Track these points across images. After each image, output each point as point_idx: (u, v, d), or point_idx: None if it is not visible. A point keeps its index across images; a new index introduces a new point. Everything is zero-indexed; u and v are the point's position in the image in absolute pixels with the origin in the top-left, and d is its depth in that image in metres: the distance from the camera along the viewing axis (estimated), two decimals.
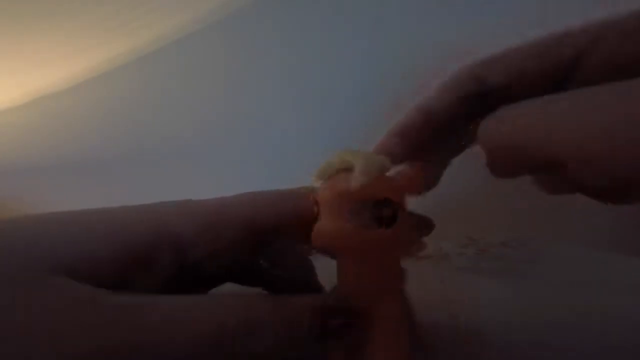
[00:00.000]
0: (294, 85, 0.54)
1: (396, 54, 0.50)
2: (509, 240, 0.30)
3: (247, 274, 0.19)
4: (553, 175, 0.16)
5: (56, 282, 0.13)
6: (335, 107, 0.52)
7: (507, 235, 0.32)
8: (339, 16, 0.53)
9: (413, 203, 0.20)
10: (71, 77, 0.59)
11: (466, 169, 0.27)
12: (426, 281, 0.24)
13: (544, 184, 0.18)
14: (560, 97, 0.14)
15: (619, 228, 0.31)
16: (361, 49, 0.52)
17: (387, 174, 0.16)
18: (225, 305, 0.14)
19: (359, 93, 0.51)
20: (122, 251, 0.15)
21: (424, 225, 0.18)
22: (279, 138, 0.53)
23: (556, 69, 0.17)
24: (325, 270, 0.18)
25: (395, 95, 0.52)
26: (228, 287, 0.19)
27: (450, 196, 0.27)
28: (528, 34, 0.47)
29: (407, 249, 0.15)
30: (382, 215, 0.13)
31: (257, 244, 0.17)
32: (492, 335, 0.19)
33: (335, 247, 0.14)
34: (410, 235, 0.15)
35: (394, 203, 0.13)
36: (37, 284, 0.13)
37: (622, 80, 0.13)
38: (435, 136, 0.18)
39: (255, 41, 0.55)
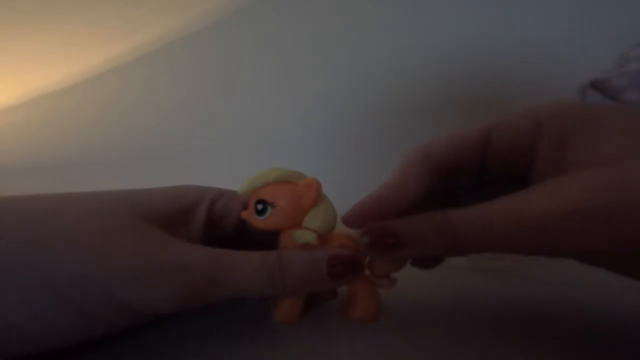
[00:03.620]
0: (293, 85, 0.54)
1: (396, 55, 0.51)
2: None
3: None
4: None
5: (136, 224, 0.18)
6: (335, 107, 0.52)
7: None
8: (339, 16, 0.53)
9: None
10: (71, 77, 0.59)
11: None
12: (426, 281, 0.24)
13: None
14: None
15: None
16: (361, 50, 0.52)
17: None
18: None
19: (359, 94, 0.51)
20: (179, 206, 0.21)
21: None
22: (279, 137, 0.53)
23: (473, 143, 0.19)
24: None
25: (393, 96, 0.52)
26: None
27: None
28: (528, 33, 0.47)
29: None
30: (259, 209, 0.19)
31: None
32: (492, 335, 0.19)
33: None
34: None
35: (266, 202, 0.19)
36: (122, 224, 0.18)
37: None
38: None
39: (255, 41, 0.55)
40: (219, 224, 0.22)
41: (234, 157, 0.56)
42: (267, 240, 0.21)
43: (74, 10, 0.56)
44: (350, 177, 0.42)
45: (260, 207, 0.19)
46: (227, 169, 0.59)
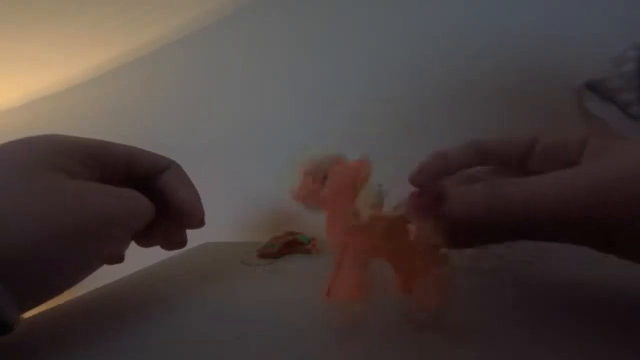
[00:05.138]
0: (294, 85, 0.54)
1: (396, 55, 0.51)
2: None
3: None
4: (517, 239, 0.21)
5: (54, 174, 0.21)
6: (336, 107, 0.52)
7: None
8: (339, 16, 0.53)
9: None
10: (71, 77, 0.59)
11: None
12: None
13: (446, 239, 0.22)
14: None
15: None
16: (361, 49, 0.52)
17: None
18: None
19: (359, 93, 0.51)
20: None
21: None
22: (279, 137, 0.54)
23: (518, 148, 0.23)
24: None
25: (393, 96, 0.52)
26: None
27: None
28: (527, 33, 0.47)
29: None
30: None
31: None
32: (492, 335, 0.19)
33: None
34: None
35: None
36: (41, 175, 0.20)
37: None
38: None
39: (255, 41, 0.55)
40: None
41: (234, 156, 0.56)
42: None
43: (74, 12, 0.56)
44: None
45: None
46: (227, 168, 0.59)
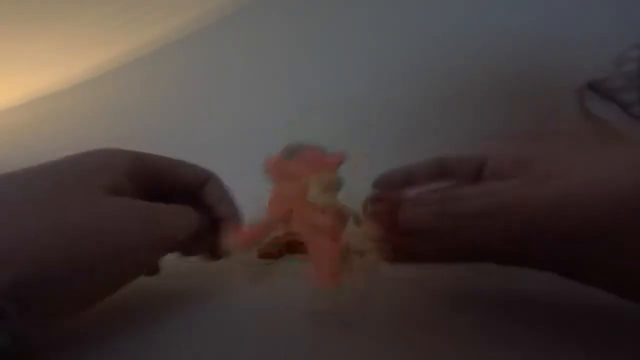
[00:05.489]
0: (294, 85, 0.54)
1: (396, 55, 0.51)
2: None
3: None
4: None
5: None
6: (335, 107, 0.52)
7: None
8: (339, 16, 0.53)
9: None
10: (71, 77, 0.59)
11: None
12: (426, 280, 0.25)
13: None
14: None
15: None
16: (361, 49, 0.52)
17: None
18: None
19: (359, 93, 0.51)
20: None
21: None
22: (279, 137, 0.53)
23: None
24: None
25: (393, 96, 0.52)
26: None
27: None
28: (528, 33, 0.47)
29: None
30: None
31: None
32: (492, 335, 0.19)
33: None
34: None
35: None
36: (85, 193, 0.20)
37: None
38: None
39: (255, 41, 0.55)
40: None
41: (234, 156, 0.56)
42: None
43: (74, 12, 0.56)
44: (349, 177, 0.42)
45: None
46: (227, 168, 0.59)
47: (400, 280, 0.25)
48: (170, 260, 0.26)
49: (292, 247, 0.39)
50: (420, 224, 0.21)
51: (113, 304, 0.21)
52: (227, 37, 0.56)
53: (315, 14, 0.53)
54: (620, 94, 0.39)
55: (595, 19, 0.45)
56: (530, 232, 0.18)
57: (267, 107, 0.55)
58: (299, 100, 0.54)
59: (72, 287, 0.18)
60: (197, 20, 0.56)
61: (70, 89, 0.59)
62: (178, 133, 0.57)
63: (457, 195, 0.20)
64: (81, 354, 0.19)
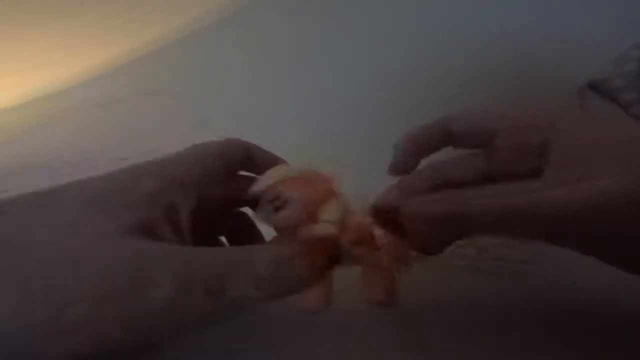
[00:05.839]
0: (294, 85, 0.54)
1: (396, 55, 0.51)
2: (509, 240, 0.30)
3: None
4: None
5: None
6: (336, 107, 0.52)
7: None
8: (339, 16, 0.53)
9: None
10: (71, 77, 0.59)
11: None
12: (425, 280, 0.25)
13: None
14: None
15: None
16: (361, 49, 0.52)
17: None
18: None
19: (359, 93, 0.51)
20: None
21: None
22: (279, 138, 0.53)
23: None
24: None
25: (393, 96, 0.52)
26: None
27: None
28: (528, 33, 0.47)
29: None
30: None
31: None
32: (492, 335, 0.19)
33: None
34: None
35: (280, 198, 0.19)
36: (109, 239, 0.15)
37: None
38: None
39: (255, 41, 0.55)
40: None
41: None
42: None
43: (74, 12, 0.56)
44: (349, 177, 0.42)
45: (277, 203, 0.18)
46: None
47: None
48: None
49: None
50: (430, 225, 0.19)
51: None
52: (227, 37, 0.56)
53: (315, 14, 0.53)
54: (620, 94, 0.39)
55: (595, 19, 0.45)
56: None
57: (267, 107, 0.55)
58: (299, 100, 0.54)
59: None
60: (197, 20, 0.56)
61: (70, 89, 0.59)
62: (178, 133, 0.57)
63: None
64: None
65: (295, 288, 0.17)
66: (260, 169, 0.22)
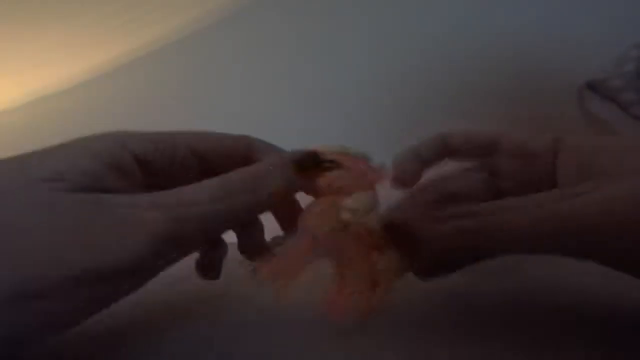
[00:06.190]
0: (294, 85, 0.54)
1: (396, 55, 0.51)
2: None
3: None
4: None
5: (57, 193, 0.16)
6: (336, 107, 0.52)
7: None
8: (339, 16, 0.53)
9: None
10: (71, 77, 0.59)
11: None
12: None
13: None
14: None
15: None
16: (361, 49, 0.52)
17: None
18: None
19: (359, 93, 0.51)
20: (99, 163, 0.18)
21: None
22: (279, 138, 0.53)
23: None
24: None
25: (393, 97, 0.52)
26: None
27: None
28: (527, 33, 0.47)
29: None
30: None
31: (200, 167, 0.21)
32: (492, 335, 0.19)
33: None
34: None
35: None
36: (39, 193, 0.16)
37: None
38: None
39: (255, 41, 0.55)
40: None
41: None
42: None
43: (74, 12, 0.56)
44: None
45: (329, 165, 0.19)
46: None
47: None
48: None
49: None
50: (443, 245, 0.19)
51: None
52: (227, 37, 0.56)
53: (315, 14, 0.53)
54: (620, 94, 0.39)
55: (595, 19, 0.45)
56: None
57: (267, 107, 0.55)
58: (299, 100, 0.54)
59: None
60: (197, 20, 0.56)
61: (70, 89, 0.59)
62: None
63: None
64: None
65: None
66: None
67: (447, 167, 0.25)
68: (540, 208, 0.17)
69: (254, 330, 0.21)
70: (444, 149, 0.23)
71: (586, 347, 0.18)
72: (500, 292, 0.24)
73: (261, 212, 0.21)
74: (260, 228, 0.22)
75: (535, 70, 0.46)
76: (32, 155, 0.18)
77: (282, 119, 0.54)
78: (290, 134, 0.53)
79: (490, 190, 0.23)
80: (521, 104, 0.46)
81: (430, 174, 0.24)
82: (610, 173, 0.18)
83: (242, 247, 0.22)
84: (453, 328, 0.20)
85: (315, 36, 0.53)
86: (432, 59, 0.49)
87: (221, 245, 0.23)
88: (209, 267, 0.22)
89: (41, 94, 0.59)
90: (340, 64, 0.53)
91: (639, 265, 0.17)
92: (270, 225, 0.23)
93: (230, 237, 0.22)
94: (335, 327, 0.21)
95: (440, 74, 0.49)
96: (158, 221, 0.16)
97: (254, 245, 0.22)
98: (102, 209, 0.16)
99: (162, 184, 0.18)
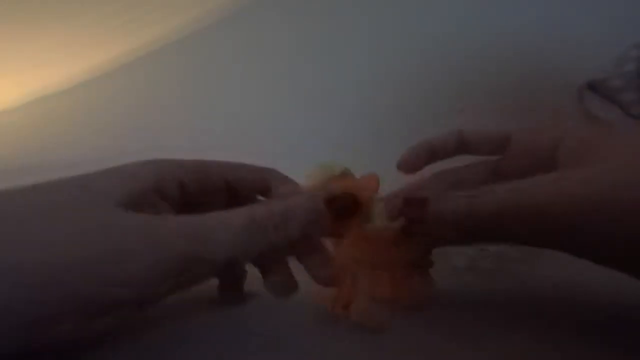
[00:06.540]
0: (294, 85, 0.54)
1: (395, 55, 0.51)
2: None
3: None
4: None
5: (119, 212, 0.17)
6: (335, 107, 0.52)
7: None
8: (339, 16, 0.53)
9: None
10: (71, 77, 0.59)
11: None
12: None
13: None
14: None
15: None
16: (361, 49, 0.52)
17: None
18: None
19: (359, 93, 0.51)
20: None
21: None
22: (279, 138, 0.53)
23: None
24: None
25: (393, 97, 0.52)
26: None
27: None
28: (527, 33, 0.47)
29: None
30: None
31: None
32: (492, 335, 0.19)
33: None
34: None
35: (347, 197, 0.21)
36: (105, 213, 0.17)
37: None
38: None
39: (255, 41, 0.55)
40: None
41: (233, 157, 0.56)
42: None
43: (74, 12, 0.56)
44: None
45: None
46: None
47: None
48: None
49: None
50: (454, 220, 0.20)
51: None
52: (227, 37, 0.56)
53: (315, 14, 0.53)
54: (620, 94, 0.39)
55: (595, 19, 0.45)
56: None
57: (267, 107, 0.55)
58: (299, 100, 0.54)
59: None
60: (197, 20, 0.56)
61: (70, 89, 0.59)
62: (178, 133, 0.57)
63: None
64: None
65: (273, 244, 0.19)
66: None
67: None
68: (508, 190, 0.18)
69: (258, 330, 0.21)
70: (459, 143, 0.25)
71: (586, 346, 0.18)
72: (500, 292, 0.24)
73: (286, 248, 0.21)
74: (244, 275, 0.24)
75: (535, 70, 0.46)
76: (96, 175, 0.19)
77: (282, 119, 0.54)
78: (290, 134, 0.54)
79: (496, 180, 0.24)
80: (521, 104, 0.46)
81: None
82: (583, 162, 0.20)
83: (223, 288, 0.24)
84: (454, 328, 0.20)
85: (315, 36, 0.53)
86: (432, 59, 0.49)
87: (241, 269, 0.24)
88: (232, 290, 0.24)
89: (41, 94, 0.59)
90: (340, 64, 0.53)
91: (599, 252, 0.18)
92: None
93: None
94: (336, 327, 0.21)
95: (440, 74, 0.49)
96: (182, 242, 0.17)
97: (234, 289, 0.24)
98: (139, 229, 0.17)
99: (194, 205, 0.21)
